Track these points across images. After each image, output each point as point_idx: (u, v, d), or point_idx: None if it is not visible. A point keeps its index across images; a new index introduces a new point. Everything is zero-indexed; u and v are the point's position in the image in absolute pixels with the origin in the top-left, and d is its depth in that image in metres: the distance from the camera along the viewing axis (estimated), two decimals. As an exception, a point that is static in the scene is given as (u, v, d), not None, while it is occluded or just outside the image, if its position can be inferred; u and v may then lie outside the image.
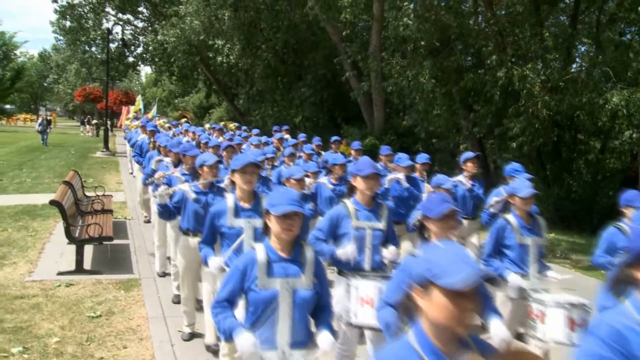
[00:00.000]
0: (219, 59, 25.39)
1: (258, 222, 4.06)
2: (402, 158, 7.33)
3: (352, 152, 10.42)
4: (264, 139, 11.72)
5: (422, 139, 18.18)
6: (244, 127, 16.84)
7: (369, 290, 3.81)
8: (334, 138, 11.76)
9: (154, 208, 7.42)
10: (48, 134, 30.40)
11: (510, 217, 4.70)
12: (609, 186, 17.40)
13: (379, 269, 4.26)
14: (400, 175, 6.99)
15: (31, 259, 8.28)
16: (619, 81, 12.29)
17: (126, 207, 12.68)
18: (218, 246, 4.47)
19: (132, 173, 17.09)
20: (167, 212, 5.40)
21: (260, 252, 3.07)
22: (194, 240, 5.37)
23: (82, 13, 35.03)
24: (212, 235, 4.31)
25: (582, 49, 16.35)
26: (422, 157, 7.84)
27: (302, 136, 12.61)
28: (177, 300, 6.65)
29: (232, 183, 4.29)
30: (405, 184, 6.96)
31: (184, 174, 6.11)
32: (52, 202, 7.76)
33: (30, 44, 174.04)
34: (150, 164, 8.15)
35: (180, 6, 25.34)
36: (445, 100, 15.57)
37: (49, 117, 35.38)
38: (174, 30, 25.75)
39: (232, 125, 18.28)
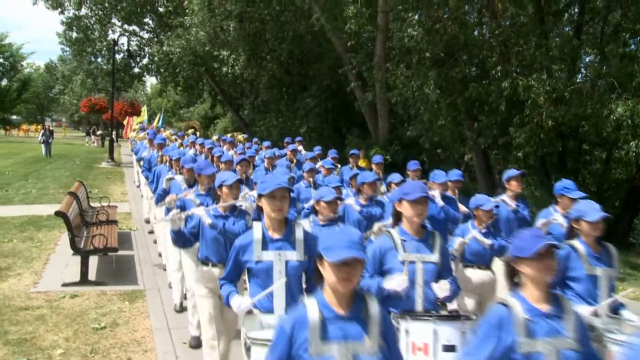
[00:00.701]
0: (224, 69, 25.52)
1: (291, 255, 3.56)
2: (438, 174, 6.83)
3: (373, 166, 9.56)
4: (277, 151, 11.32)
5: (427, 149, 18.19)
6: (254, 139, 16.31)
7: (423, 333, 3.32)
8: (352, 151, 11.30)
9: (168, 234, 6.33)
10: (51, 145, 29.80)
11: (577, 243, 4.14)
12: (614, 196, 17.35)
13: (433, 309, 3.65)
14: (436, 193, 6.34)
15: (36, 270, 8.29)
16: (624, 92, 12.27)
17: (131, 218, 12.70)
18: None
19: (138, 186, 16.56)
20: (182, 239, 4.81)
21: (311, 309, 2.49)
22: (214, 270, 4.75)
23: (89, 24, 35.23)
24: (236, 271, 3.77)
25: (587, 59, 16.36)
26: (455, 174, 7.22)
27: (317, 149, 12.21)
28: (195, 343, 5.79)
29: (260, 209, 3.70)
30: (441, 202, 6.35)
31: (199, 195, 5.46)
32: (57, 213, 7.79)
33: (37, 55, 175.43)
34: (161, 182, 7.32)
35: (186, 17, 25.52)
36: (450, 111, 15.57)
37: (51, 128, 34.14)
38: (180, 41, 25.92)
39: (240, 136, 17.65)
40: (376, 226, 5.41)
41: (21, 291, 7.28)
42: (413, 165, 8.45)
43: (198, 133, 22.42)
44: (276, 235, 3.58)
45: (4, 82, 51.05)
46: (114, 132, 30.97)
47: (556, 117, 12.42)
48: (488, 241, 5.32)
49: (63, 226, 8.77)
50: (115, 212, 10.76)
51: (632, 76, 12.81)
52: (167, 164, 8.43)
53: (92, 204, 11.27)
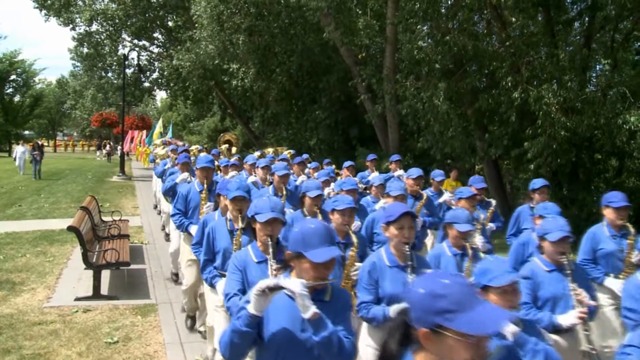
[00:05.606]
0: (234, 82, 25.60)
1: None
2: (536, 182, 6.47)
3: (432, 181, 8.02)
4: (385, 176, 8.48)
5: (438, 160, 18.14)
6: (305, 156, 12.69)
7: None
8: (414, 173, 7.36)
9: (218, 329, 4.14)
10: (41, 164, 25.18)
11: None
12: (628, 206, 17.22)
13: None
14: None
15: (49, 284, 8.31)
16: (636, 101, 12.20)
17: (142, 232, 12.71)
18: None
19: (158, 211, 14.08)
20: (244, 342, 2.62)
21: None
22: None
23: (99, 40, 35.55)
24: None
25: (598, 67, 16.28)
26: (539, 183, 6.53)
27: (326, 162, 11.70)
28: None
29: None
30: None
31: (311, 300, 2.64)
32: (70, 228, 7.80)
33: (48, 71, 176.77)
34: (219, 259, 4.28)
35: (195, 31, 25.63)
36: (460, 122, 15.52)
37: (39, 142, 27.62)
38: (189, 55, 26.04)
39: (287, 152, 13.75)
40: None
41: (35, 306, 7.30)
42: (477, 180, 7.15)
43: (235, 148, 19.37)
44: None
45: (17, 98, 51.69)
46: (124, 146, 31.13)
47: (568, 127, 12.35)
48: None
49: (75, 240, 8.79)
50: (127, 226, 10.78)
51: (644, 85, 12.75)
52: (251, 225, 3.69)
53: (104, 218, 11.30)
